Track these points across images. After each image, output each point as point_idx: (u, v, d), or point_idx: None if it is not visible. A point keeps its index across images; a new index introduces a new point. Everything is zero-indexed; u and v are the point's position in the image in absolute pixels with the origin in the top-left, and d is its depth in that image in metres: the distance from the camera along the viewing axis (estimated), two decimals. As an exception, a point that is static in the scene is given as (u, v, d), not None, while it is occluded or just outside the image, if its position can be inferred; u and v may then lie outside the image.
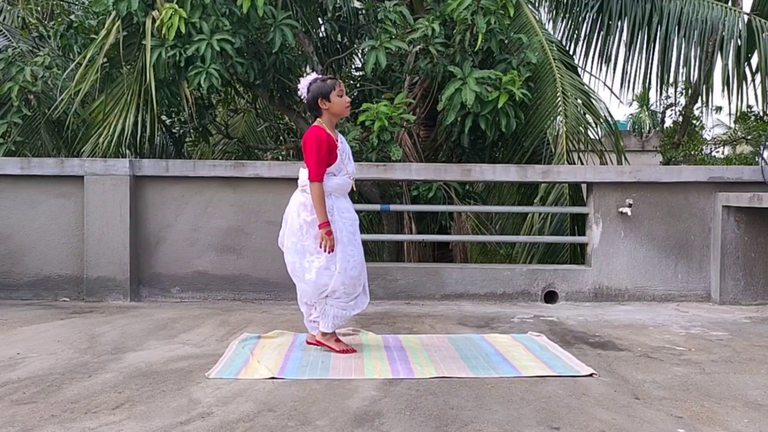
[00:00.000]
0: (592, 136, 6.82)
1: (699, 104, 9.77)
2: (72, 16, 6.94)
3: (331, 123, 3.54)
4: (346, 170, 3.54)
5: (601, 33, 8.06)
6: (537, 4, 8.69)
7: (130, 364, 3.30)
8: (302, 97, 3.58)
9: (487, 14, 5.71)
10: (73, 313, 4.69)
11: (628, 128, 21.17)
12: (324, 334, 3.54)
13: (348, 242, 3.46)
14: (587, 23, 8.16)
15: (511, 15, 6.05)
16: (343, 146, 3.57)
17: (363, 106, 5.83)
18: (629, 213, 5.25)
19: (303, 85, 3.54)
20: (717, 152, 16.40)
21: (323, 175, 3.40)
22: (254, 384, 2.98)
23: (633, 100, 18.85)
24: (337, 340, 3.57)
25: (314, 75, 3.59)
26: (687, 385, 3.01)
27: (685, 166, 6.19)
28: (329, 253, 3.38)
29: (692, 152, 11.87)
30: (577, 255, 6.35)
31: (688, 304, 5.21)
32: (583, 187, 6.03)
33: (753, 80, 7.49)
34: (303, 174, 3.51)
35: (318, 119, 3.54)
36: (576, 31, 8.25)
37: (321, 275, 3.42)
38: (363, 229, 8.17)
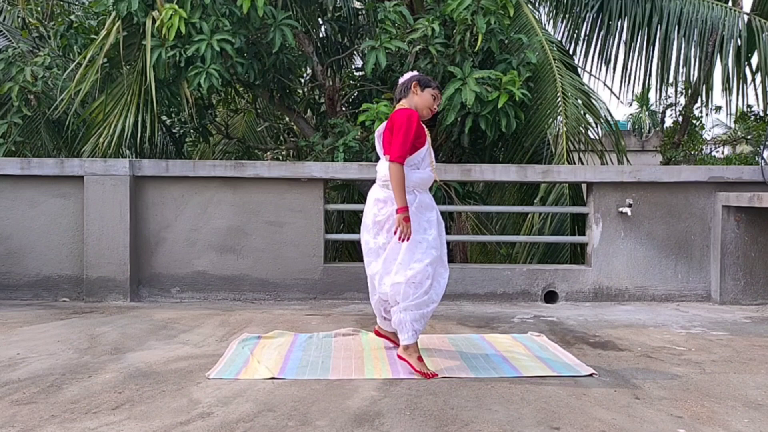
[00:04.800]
0: (592, 136, 6.82)
1: (699, 104, 9.76)
2: (72, 17, 6.95)
3: None
4: (429, 162, 3.33)
5: (601, 33, 8.05)
6: (537, 4, 8.69)
7: (130, 364, 3.30)
8: (401, 81, 3.41)
9: (487, 14, 5.71)
10: (73, 313, 4.69)
11: (628, 128, 21.15)
12: (406, 347, 3.19)
13: (420, 240, 3.20)
14: (587, 23, 8.16)
15: (511, 15, 6.05)
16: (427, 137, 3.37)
17: (363, 106, 5.83)
18: (629, 213, 5.25)
19: (407, 75, 3.42)
20: (717, 152, 16.38)
21: (405, 157, 3.14)
22: (254, 384, 2.98)
23: (633, 100, 18.84)
24: (420, 359, 3.18)
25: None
26: (687, 385, 3.02)
27: (685, 166, 6.16)
28: (405, 241, 3.12)
29: (692, 152, 11.83)
30: (578, 255, 6.35)
31: (688, 304, 5.22)
32: (583, 187, 6.03)
33: (753, 80, 7.49)
34: (384, 167, 3.26)
35: (401, 102, 3.36)
36: (576, 31, 8.25)
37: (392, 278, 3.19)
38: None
